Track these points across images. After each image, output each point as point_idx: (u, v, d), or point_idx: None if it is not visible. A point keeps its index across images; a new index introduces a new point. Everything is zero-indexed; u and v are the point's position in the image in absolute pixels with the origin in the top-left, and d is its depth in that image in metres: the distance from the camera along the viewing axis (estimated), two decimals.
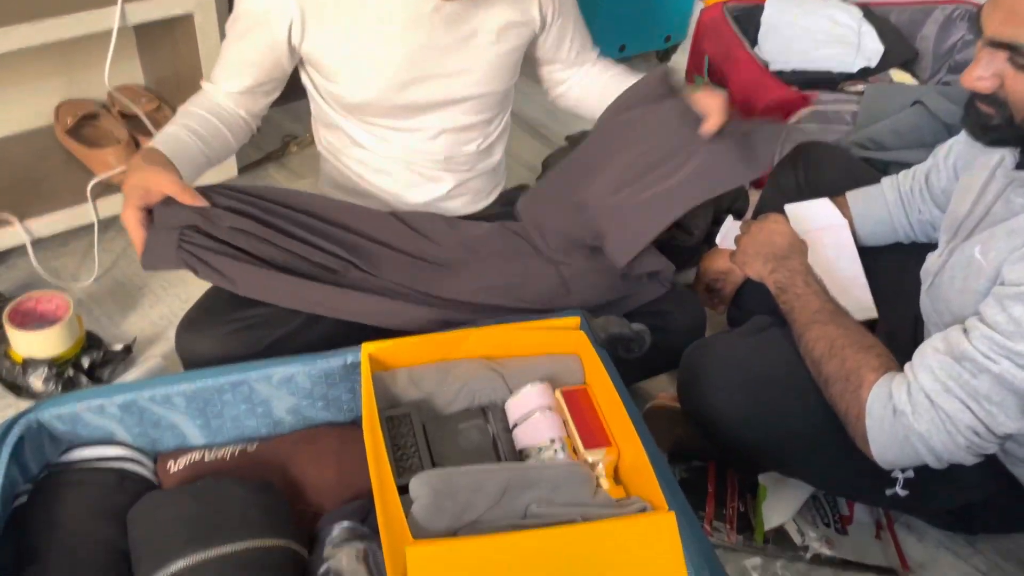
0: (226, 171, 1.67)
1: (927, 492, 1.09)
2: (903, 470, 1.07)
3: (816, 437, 1.08)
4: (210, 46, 1.52)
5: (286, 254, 1.12)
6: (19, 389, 1.33)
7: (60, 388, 1.31)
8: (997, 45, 0.90)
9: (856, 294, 1.26)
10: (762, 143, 1.22)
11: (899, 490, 1.08)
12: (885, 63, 1.94)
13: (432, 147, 1.30)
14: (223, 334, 1.13)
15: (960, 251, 1.03)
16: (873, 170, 1.42)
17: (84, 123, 1.66)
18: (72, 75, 1.70)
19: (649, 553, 0.77)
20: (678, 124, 1.23)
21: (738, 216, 1.47)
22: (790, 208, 1.31)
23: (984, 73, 0.92)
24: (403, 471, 0.91)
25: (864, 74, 1.93)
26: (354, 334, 1.08)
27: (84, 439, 1.00)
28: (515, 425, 0.98)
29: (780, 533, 1.23)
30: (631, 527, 0.79)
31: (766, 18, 1.96)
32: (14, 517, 0.92)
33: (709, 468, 1.28)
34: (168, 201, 1.08)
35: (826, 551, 1.21)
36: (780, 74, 1.88)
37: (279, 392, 1.04)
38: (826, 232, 1.29)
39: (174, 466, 1.02)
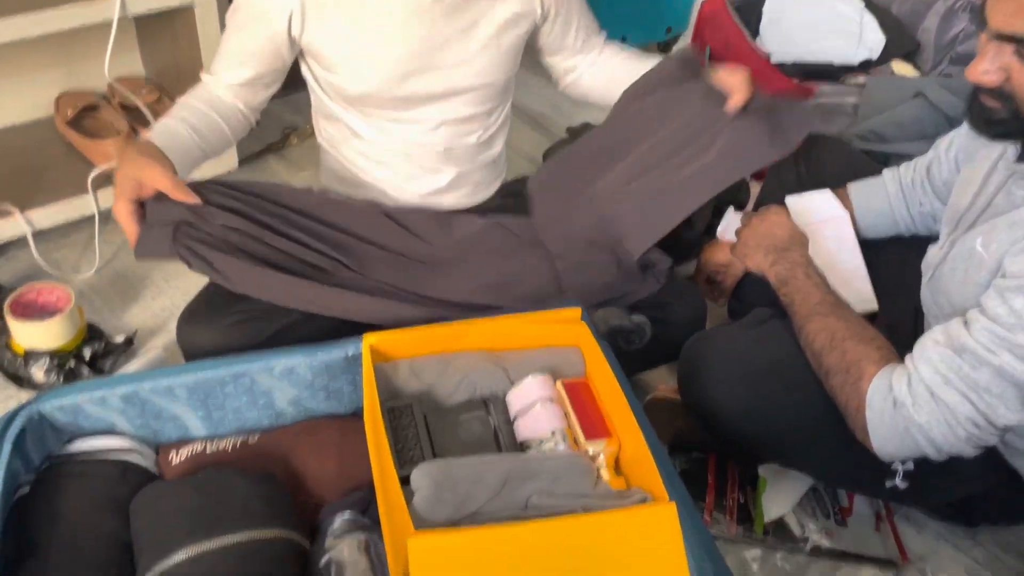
0: (227, 163, 1.67)
1: (927, 484, 1.09)
2: (903, 462, 1.07)
3: (816, 429, 1.08)
4: (210, 37, 1.52)
5: (278, 253, 1.12)
6: (21, 380, 1.33)
7: (62, 379, 1.32)
8: (1004, 38, 0.90)
9: (857, 286, 1.26)
10: (793, 124, 1.21)
11: (899, 482, 1.09)
12: (887, 54, 1.94)
13: (432, 139, 1.30)
14: (224, 326, 1.13)
15: (961, 243, 1.03)
16: (874, 162, 1.42)
17: (84, 114, 1.66)
18: (72, 66, 1.69)
19: (650, 544, 0.77)
20: (701, 104, 1.22)
21: (739, 208, 1.47)
22: (791, 200, 1.31)
23: (990, 67, 0.92)
24: (404, 462, 0.91)
25: (866, 66, 1.92)
26: (355, 327, 1.08)
27: (86, 430, 1.00)
28: (516, 417, 0.98)
29: (780, 525, 1.23)
30: (632, 518, 0.79)
31: (768, 9, 1.95)
32: (17, 508, 0.92)
33: (709, 460, 1.29)
34: (161, 196, 1.08)
35: (826, 543, 1.21)
36: (782, 66, 1.87)
37: (280, 384, 1.04)
38: (827, 224, 1.29)
39: (176, 457, 1.02)
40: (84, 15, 1.38)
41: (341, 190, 1.36)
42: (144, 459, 1.02)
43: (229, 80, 1.22)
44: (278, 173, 1.86)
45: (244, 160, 1.79)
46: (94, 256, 1.56)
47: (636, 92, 1.29)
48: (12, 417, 0.93)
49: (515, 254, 1.26)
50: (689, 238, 1.55)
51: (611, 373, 0.95)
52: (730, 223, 1.38)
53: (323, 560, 0.90)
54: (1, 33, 1.31)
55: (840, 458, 1.09)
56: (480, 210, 1.38)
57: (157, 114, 1.57)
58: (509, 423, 0.98)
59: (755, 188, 1.63)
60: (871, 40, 1.93)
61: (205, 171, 1.63)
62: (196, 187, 1.10)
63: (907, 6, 2.04)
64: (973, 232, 1.02)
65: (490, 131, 1.36)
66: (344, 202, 1.25)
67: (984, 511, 1.19)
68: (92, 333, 1.38)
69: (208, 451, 1.03)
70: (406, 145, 1.30)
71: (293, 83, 1.30)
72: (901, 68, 1.96)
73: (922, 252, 1.15)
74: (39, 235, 1.51)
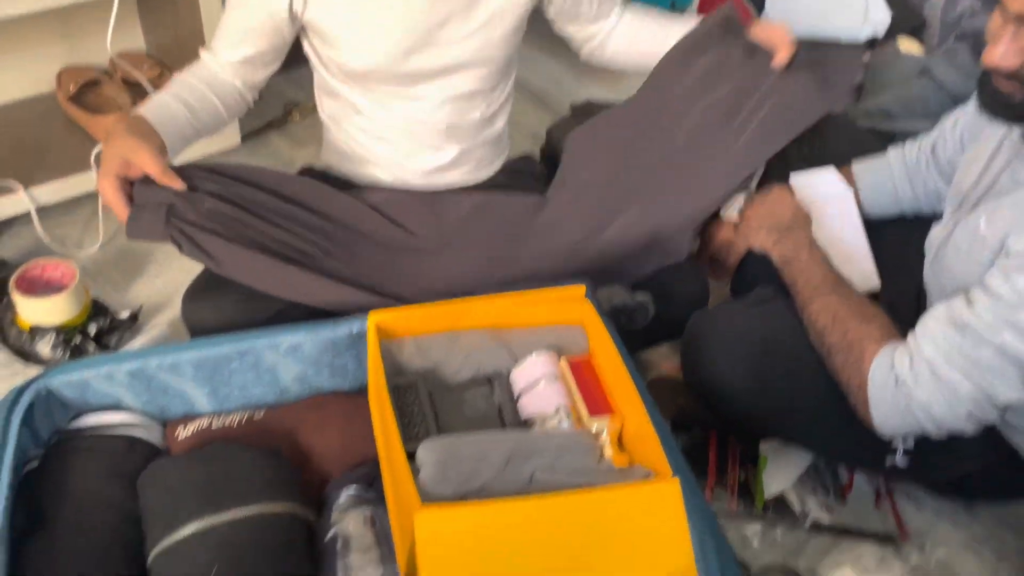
0: (229, 139, 1.67)
1: (927, 461, 1.10)
2: (903, 440, 1.08)
3: (818, 407, 1.09)
4: (212, 12, 1.51)
5: (263, 236, 1.12)
6: (27, 356, 1.34)
7: (68, 355, 1.32)
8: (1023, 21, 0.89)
9: (860, 264, 1.26)
10: (840, 71, 1.20)
11: (899, 459, 1.10)
12: (892, 31, 1.92)
13: (435, 115, 1.30)
14: (229, 303, 1.13)
15: (965, 222, 1.03)
16: (879, 141, 1.41)
17: (86, 90, 1.65)
18: (74, 41, 1.69)
19: (653, 520, 0.78)
20: (748, 63, 1.21)
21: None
22: (795, 178, 1.31)
23: (1009, 50, 0.91)
24: (409, 439, 0.92)
25: (871, 44, 1.91)
26: None
27: (93, 406, 1.01)
28: (520, 394, 0.98)
29: (780, 501, 1.24)
30: (635, 494, 0.80)
31: None
32: (26, 482, 0.93)
33: (711, 437, 1.29)
34: (148, 179, 1.06)
35: (825, 519, 1.22)
36: None
37: (286, 360, 1.05)
38: (831, 202, 1.29)
39: (182, 433, 1.03)
40: None
41: (344, 167, 1.36)
42: (151, 434, 1.03)
43: (228, 58, 1.21)
44: (280, 149, 1.86)
45: (246, 136, 1.79)
46: (97, 232, 1.56)
47: (680, 52, 1.28)
48: (21, 392, 0.94)
49: (504, 239, 1.26)
50: None
51: (615, 351, 0.95)
52: (734, 201, 1.38)
53: (329, 534, 0.91)
54: (3, 8, 1.30)
55: (841, 435, 1.09)
56: (483, 187, 1.38)
57: (159, 89, 1.57)
58: (513, 400, 0.99)
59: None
60: (877, 17, 1.91)
61: (207, 147, 1.63)
62: (183, 171, 1.09)
63: None
64: (977, 211, 1.01)
65: (493, 108, 1.35)
66: (330, 190, 1.24)
67: (983, 488, 1.20)
68: (97, 309, 1.39)
69: (214, 427, 1.03)
70: (408, 122, 1.30)
71: (295, 59, 1.30)
72: (907, 45, 1.94)
73: (925, 231, 1.15)
74: (43, 211, 1.52)
